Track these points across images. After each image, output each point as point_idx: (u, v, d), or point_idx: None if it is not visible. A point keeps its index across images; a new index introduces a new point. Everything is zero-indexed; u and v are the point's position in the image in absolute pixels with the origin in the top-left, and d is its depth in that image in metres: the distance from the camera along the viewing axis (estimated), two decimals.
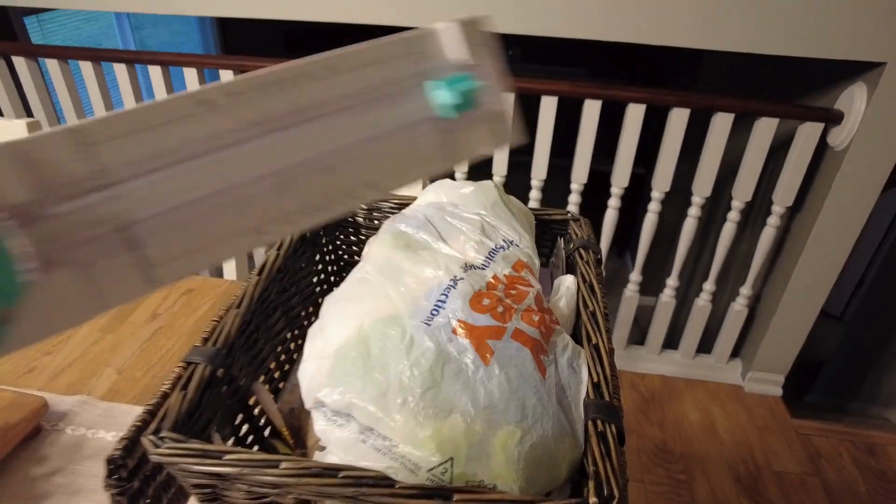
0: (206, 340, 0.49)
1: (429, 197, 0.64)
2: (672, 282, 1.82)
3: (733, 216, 1.63)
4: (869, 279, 3.09)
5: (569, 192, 1.68)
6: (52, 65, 1.71)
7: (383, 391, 0.38)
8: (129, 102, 1.75)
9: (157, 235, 0.26)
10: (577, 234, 0.63)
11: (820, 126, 1.44)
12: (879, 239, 3.14)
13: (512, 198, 0.64)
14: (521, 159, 1.78)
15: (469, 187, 0.61)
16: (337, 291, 0.53)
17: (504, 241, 0.54)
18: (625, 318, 1.90)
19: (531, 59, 4.96)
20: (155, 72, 1.67)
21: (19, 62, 1.71)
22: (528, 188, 1.68)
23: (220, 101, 0.27)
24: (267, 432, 0.55)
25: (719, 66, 2.52)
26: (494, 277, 0.48)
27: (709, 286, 1.80)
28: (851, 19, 1.30)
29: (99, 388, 0.82)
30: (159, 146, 0.26)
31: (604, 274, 0.59)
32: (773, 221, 1.61)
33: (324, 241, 0.70)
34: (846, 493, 1.60)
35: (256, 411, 0.54)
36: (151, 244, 0.25)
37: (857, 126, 1.40)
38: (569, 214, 0.67)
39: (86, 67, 1.69)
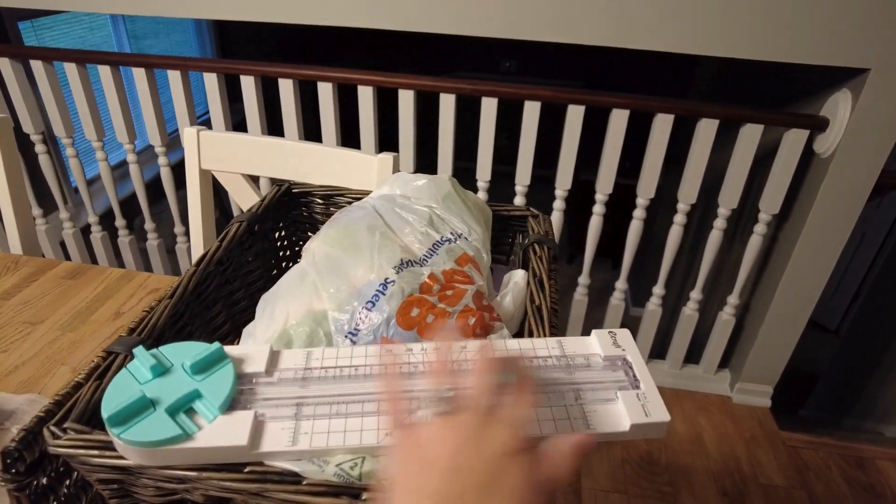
0: (132, 331, 0.47)
1: (383, 189, 0.62)
2: (658, 290, 1.79)
3: (719, 224, 1.62)
4: (864, 293, 3.06)
5: (555, 201, 1.66)
6: (36, 66, 1.70)
7: None
8: (112, 104, 1.74)
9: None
10: (533, 230, 0.61)
11: (805, 133, 1.43)
12: (874, 254, 3.13)
13: (469, 193, 0.62)
14: (504, 169, 1.77)
15: (422, 180, 0.59)
16: (272, 289, 0.51)
17: (452, 233, 0.53)
18: (612, 328, 1.87)
19: (526, 72, 4.98)
20: (139, 74, 1.66)
21: (3, 63, 1.70)
22: (513, 196, 1.66)
23: None
24: None
25: (708, 77, 2.52)
26: (431, 277, 0.46)
27: (696, 295, 1.77)
28: (835, 25, 1.29)
29: (52, 387, 0.80)
30: None
31: (558, 269, 0.57)
32: (759, 229, 1.59)
33: (277, 236, 0.69)
34: None
35: None
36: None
37: (843, 133, 1.38)
38: (528, 210, 0.65)
39: (70, 69, 1.68)
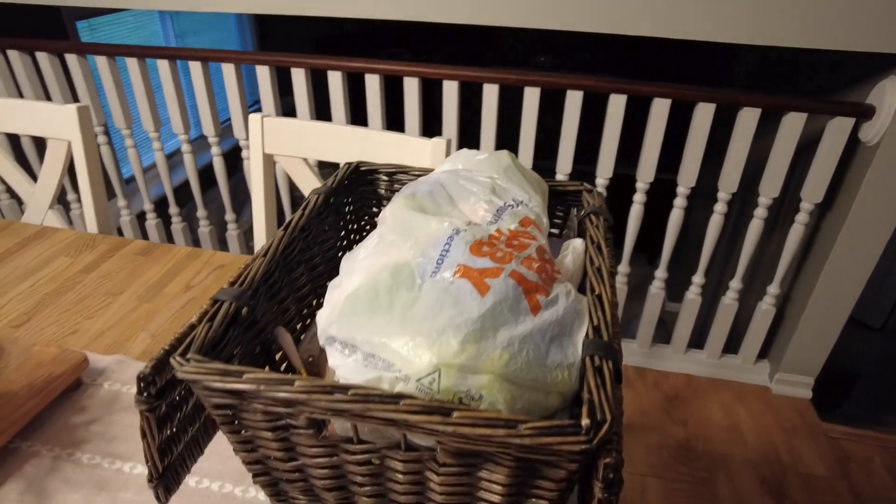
0: (232, 284, 0.52)
1: (445, 165, 0.66)
2: (698, 279, 1.80)
3: (760, 213, 1.62)
4: None
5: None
6: (100, 62, 1.80)
7: (386, 322, 0.41)
8: (170, 96, 1.82)
9: None
10: (589, 203, 0.65)
11: (851, 121, 1.43)
12: None
13: (526, 168, 0.67)
14: (543, 164, 1.81)
15: (483, 154, 0.64)
16: (354, 249, 0.56)
17: (514, 200, 0.57)
18: (650, 317, 1.89)
19: (561, 67, 4.98)
20: (195, 67, 1.75)
21: (71, 59, 1.81)
22: None
23: None
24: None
25: (749, 67, 2.49)
26: (497, 231, 0.51)
27: (735, 284, 1.78)
28: (883, 11, 1.28)
29: (134, 350, 0.87)
30: None
31: (612, 238, 0.60)
32: (801, 219, 1.59)
33: (347, 210, 0.74)
34: (877, 499, 1.56)
35: (278, 357, 0.57)
36: None
37: (890, 120, 1.38)
38: (582, 185, 0.69)
39: (131, 63, 1.78)
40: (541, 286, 0.45)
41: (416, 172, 0.73)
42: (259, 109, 1.75)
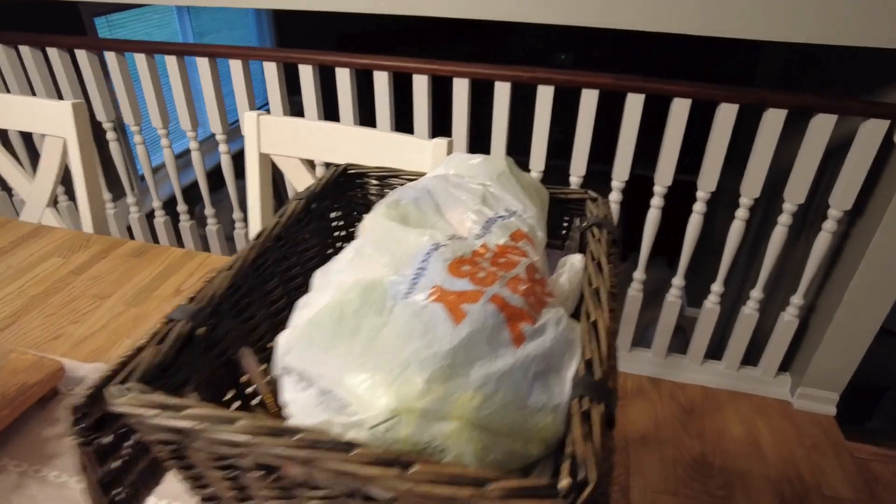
0: (192, 299, 0.48)
1: (438, 170, 0.61)
2: (717, 287, 1.72)
3: (784, 220, 1.53)
4: None
5: (611, 193, 1.62)
6: (110, 57, 1.78)
7: (347, 352, 0.36)
8: (177, 93, 1.80)
9: None
10: (592, 213, 0.59)
11: (885, 123, 1.34)
12: None
13: (525, 173, 0.61)
14: (559, 163, 1.74)
15: (477, 159, 0.59)
16: (327, 264, 0.51)
17: (506, 210, 0.52)
18: (666, 325, 1.82)
19: (582, 65, 4.88)
20: (203, 63, 1.72)
21: (80, 55, 1.79)
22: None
23: None
24: (256, 401, 0.54)
25: (775, 66, 2.40)
26: (483, 246, 0.45)
27: (756, 294, 1.69)
28: None
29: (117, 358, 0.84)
30: None
31: (617, 253, 0.55)
32: (829, 226, 1.50)
33: (333, 217, 0.69)
34: None
35: (244, 378, 0.53)
36: None
37: None
38: (586, 193, 0.63)
39: (140, 60, 1.76)
40: (526, 312, 0.40)
41: (408, 176, 0.68)
42: (269, 110, 1.72)
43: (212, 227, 2.08)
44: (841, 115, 1.36)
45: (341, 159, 0.99)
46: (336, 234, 0.71)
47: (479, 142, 1.65)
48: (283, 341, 0.43)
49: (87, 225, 1.21)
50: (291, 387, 0.39)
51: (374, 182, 0.70)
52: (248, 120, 1.01)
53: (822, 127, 1.38)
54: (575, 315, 0.48)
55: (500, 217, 0.50)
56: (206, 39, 4.03)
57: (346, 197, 0.71)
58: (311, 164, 1.05)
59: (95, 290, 0.99)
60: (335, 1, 1.52)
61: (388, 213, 0.51)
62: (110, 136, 1.95)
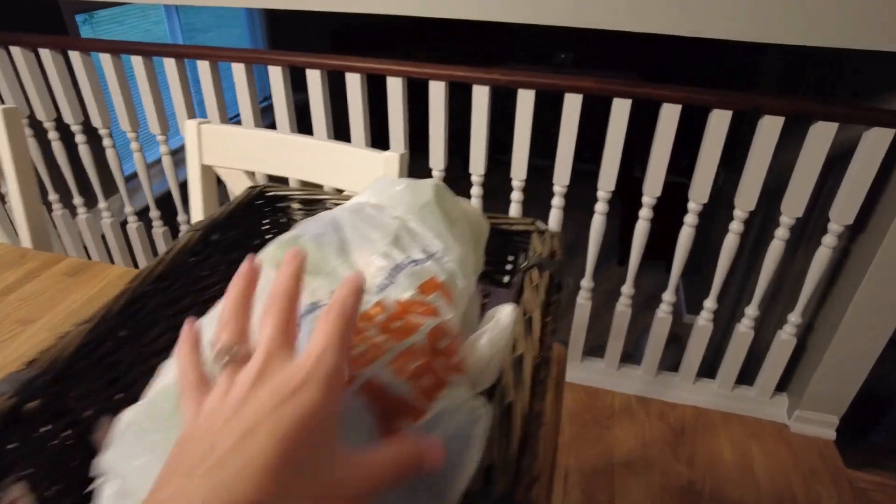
0: (30, 363, 0.39)
1: (361, 196, 0.52)
2: (709, 303, 1.63)
3: (781, 234, 1.44)
4: None
5: (596, 203, 1.53)
6: (104, 59, 1.68)
7: (145, 468, 0.28)
8: (177, 97, 1.70)
9: None
10: (535, 250, 0.50)
11: (890, 132, 1.24)
12: None
13: (461, 201, 0.52)
14: (541, 163, 1.65)
15: (401, 185, 0.50)
16: (202, 318, 0.42)
17: (423, 252, 0.43)
18: (657, 342, 1.73)
19: (583, 65, 4.79)
20: (203, 66, 1.61)
21: (75, 57, 1.70)
22: (551, 196, 1.54)
23: None
24: None
25: (777, 70, 2.30)
26: (378, 305, 0.37)
27: (751, 311, 1.60)
28: None
29: None
30: None
31: (559, 302, 0.46)
32: (828, 241, 1.41)
33: (246, 246, 0.60)
34: None
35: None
36: None
37: None
38: (533, 225, 0.54)
39: (136, 62, 1.66)
40: (411, 403, 0.31)
41: (336, 200, 0.59)
42: (270, 106, 1.62)
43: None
44: (842, 123, 1.27)
45: (285, 171, 0.91)
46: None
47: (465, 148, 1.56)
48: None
49: (25, 239, 1.13)
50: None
51: (297, 206, 0.61)
52: (189, 129, 0.93)
53: (821, 135, 1.29)
54: (494, 386, 0.39)
55: (412, 262, 0.41)
56: (197, 37, 3.95)
57: (262, 224, 0.62)
58: (254, 177, 0.96)
59: (21, 314, 0.91)
60: (323, 1, 1.43)
61: (275, 254, 0.42)
62: (79, 138, 1.87)
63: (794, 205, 1.39)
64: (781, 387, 1.72)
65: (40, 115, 1.83)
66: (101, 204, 2.04)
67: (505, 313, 0.42)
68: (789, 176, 1.38)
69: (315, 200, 0.61)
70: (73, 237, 2.16)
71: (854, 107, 1.25)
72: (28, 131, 1.87)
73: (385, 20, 1.44)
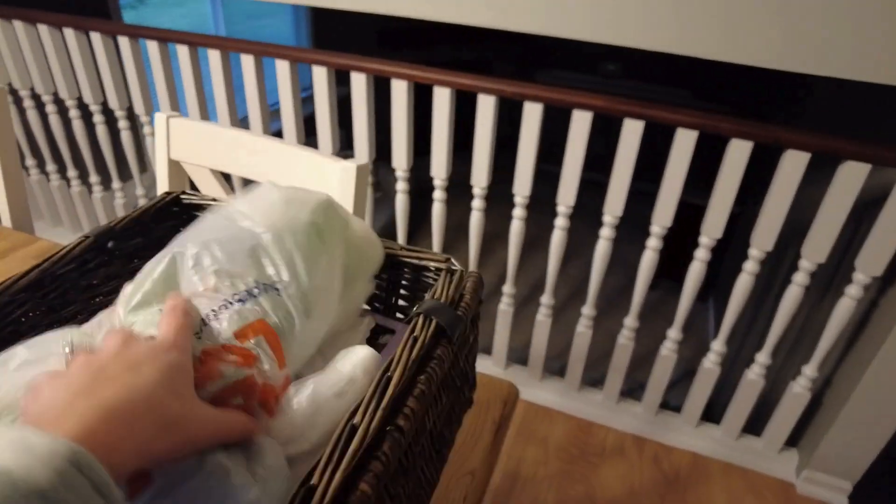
0: None
1: (241, 202, 0.46)
2: (718, 346, 1.52)
3: (800, 279, 1.33)
4: None
5: (602, 228, 1.44)
6: (151, 46, 1.68)
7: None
8: (218, 88, 1.69)
9: None
10: (437, 293, 0.44)
11: None
12: None
13: (353, 222, 0.46)
14: (597, 177, 1.56)
15: (277, 195, 0.44)
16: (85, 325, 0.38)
17: (262, 285, 0.37)
18: (659, 380, 1.62)
19: (630, 76, 4.64)
20: (247, 60, 1.59)
21: (123, 42, 1.71)
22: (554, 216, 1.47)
23: None
24: None
25: (832, 100, 2.15)
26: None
27: (763, 358, 1.48)
28: None
29: None
30: None
31: (442, 360, 0.39)
32: (853, 292, 1.28)
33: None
34: None
35: None
36: None
37: None
38: (445, 262, 0.48)
39: (152, 47, 1.66)
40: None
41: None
42: (310, 96, 1.57)
43: None
44: (876, 165, 1.15)
45: (245, 172, 0.87)
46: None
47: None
48: None
49: (6, 218, 1.13)
50: None
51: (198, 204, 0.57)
52: (158, 122, 0.90)
53: (851, 176, 1.17)
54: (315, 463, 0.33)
55: (241, 299, 0.36)
56: (238, 28, 4.00)
57: (174, 232, 0.58)
58: (224, 176, 0.93)
59: None
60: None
61: (149, 293, 0.38)
62: (122, 125, 1.88)
63: (816, 249, 1.27)
64: (792, 441, 1.59)
65: (87, 98, 1.85)
66: (115, 184, 2.06)
67: (359, 358, 0.36)
68: (808, 218, 1.26)
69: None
70: (90, 215, 2.19)
71: (888, 149, 1.13)
72: (52, 108, 1.91)
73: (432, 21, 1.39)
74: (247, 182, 2.00)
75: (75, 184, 2.11)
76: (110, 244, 0.51)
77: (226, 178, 1.01)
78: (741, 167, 1.24)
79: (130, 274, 0.54)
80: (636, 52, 1.33)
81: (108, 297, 0.52)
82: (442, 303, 0.42)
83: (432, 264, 0.48)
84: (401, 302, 0.54)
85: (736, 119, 1.21)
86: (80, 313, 0.50)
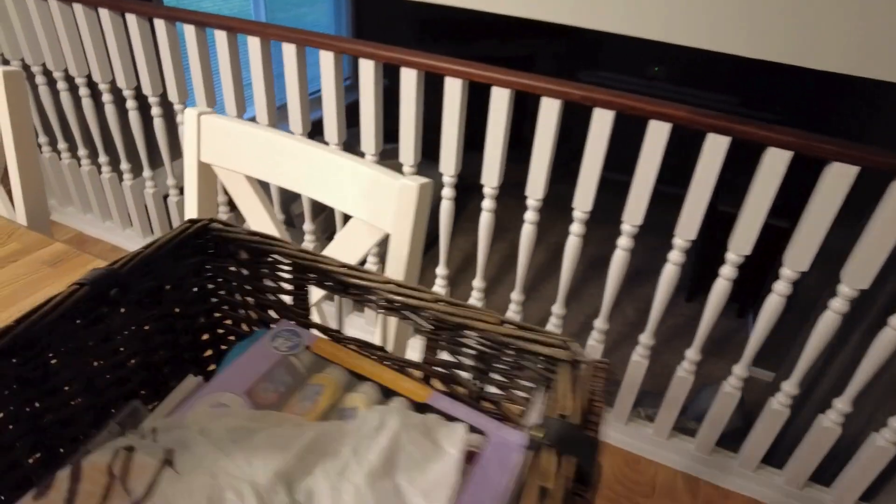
0: None
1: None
2: (789, 388, 1.36)
3: (838, 306, 1.19)
4: None
5: (671, 252, 1.30)
6: (188, 30, 1.59)
7: None
8: (256, 76, 1.58)
9: None
10: (563, 399, 0.31)
11: None
12: None
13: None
14: (672, 191, 1.43)
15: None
16: None
17: None
18: (718, 418, 1.48)
19: (676, 81, 4.43)
20: (289, 50, 1.48)
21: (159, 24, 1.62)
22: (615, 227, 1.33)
23: None
24: None
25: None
26: None
27: (842, 406, 1.33)
28: None
29: None
30: None
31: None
32: None
33: (191, 295, 0.45)
34: None
35: None
36: None
37: None
38: (567, 348, 0.35)
39: (220, 36, 1.56)
40: None
41: (307, 257, 0.43)
42: (352, 84, 1.45)
43: (222, 214, 1.90)
44: None
45: (286, 183, 0.75)
46: (204, 319, 0.46)
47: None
48: None
49: (21, 215, 1.04)
50: None
51: (246, 254, 0.45)
52: (188, 119, 0.79)
53: None
54: None
55: None
56: (277, 16, 3.90)
57: (214, 267, 0.46)
58: (262, 184, 0.81)
59: None
60: None
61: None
62: (155, 111, 1.79)
63: (859, 275, 1.13)
64: (867, 496, 1.43)
65: (120, 82, 1.77)
66: (146, 173, 1.98)
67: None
68: (849, 237, 1.12)
69: (265, 249, 0.44)
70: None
71: None
72: (84, 91, 1.83)
73: (476, 12, 1.27)
74: (284, 192, 1.89)
75: (106, 170, 2.04)
76: (113, 292, 0.39)
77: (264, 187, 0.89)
78: (840, 196, 1.09)
79: (157, 320, 0.43)
80: (683, 56, 1.21)
81: (106, 361, 0.41)
82: (574, 427, 0.29)
83: (544, 350, 0.36)
84: (493, 396, 0.41)
85: (838, 140, 1.05)
86: (71, 384, 0.39)
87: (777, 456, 1.56)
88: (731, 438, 1.57)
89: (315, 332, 0.45)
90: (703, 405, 2.11)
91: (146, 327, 0.42)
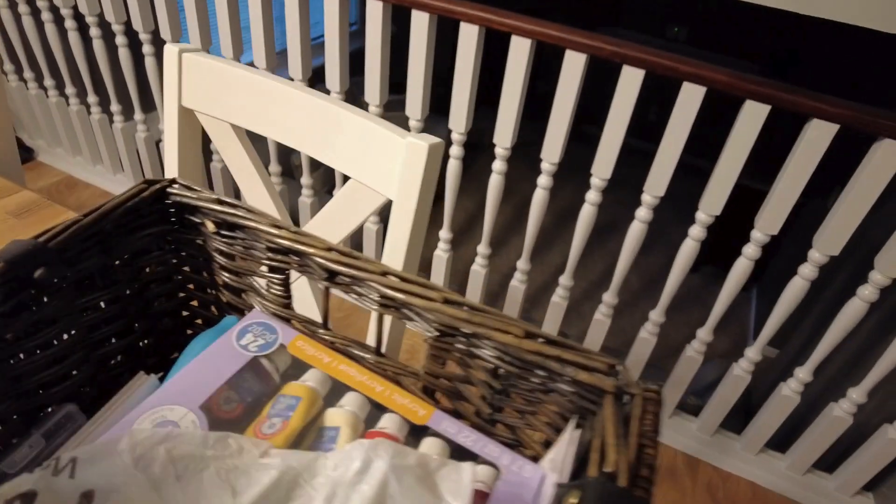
0: None
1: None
2: (803, 374, 1.31)
3: (868, 294, 1.11)
4: None
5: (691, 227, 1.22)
6: None
7: None
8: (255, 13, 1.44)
9: None
10: (609, 449, 0.24)
11: None
12: None
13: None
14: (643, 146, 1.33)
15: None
16: None
17: None
18: (724, 401, 1.43)
19: (696, 43, 4.22)
20: None
21: None
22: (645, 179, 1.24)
23: None
24: None
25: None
26: None
27: (856, 396, 1.27)
28: None
29: None
30: None
31: None
32: None
33: (146, 271, 0.37)
34: None
35: None
36: None
37: None
38: (614, 374, 0.27)
39: None
40: None
41: (285, 236, 0.34)
42: (358, 30, 1.34)
43: (216, 164, 1.81)
44: None
45: (280, 136, 0.66)
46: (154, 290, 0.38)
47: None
48: None
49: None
50: None
51: (211, 226, 0.37)
52: (168, 56, 0.69)
53: None
54: None
55: None
56: None
57: (172, 236, 0.38)
58: (238, 133, 0.72)
59: None
60: None
61: None
62: (146, 49, 1.66)
63: (890, 262, 1.04)
64: (870, 486, 1.40)
65: (108, 15, 1.64)
66: (138, 116, 1.88)
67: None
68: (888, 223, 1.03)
69: (234, 222, 0.36)
70: (109, 145, 2.02)
71: None
72: (71, 23, 1.70)
73: None
74: (278, 145, 1.78)
75: (95, 111, 1.93)
76: (39, 272, 0.31)
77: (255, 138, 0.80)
78: (886, 177, 0.99)
79: (77, 317, 0.35)
80: (705, 18, 1.08)
81: (31, 359, 0.33)
82: (621, 492, 0.22)
83: (583, 376, 0.28)
84: (509, 420, 0.34)
85: (893, 115, 0.95)
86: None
87: (774, 437, 1.52)
88: (729, 414, 1.53)
89: (294, 325, 0.38)
90: (703, 380, 2.07)
91: (89, 314, 0.34)
